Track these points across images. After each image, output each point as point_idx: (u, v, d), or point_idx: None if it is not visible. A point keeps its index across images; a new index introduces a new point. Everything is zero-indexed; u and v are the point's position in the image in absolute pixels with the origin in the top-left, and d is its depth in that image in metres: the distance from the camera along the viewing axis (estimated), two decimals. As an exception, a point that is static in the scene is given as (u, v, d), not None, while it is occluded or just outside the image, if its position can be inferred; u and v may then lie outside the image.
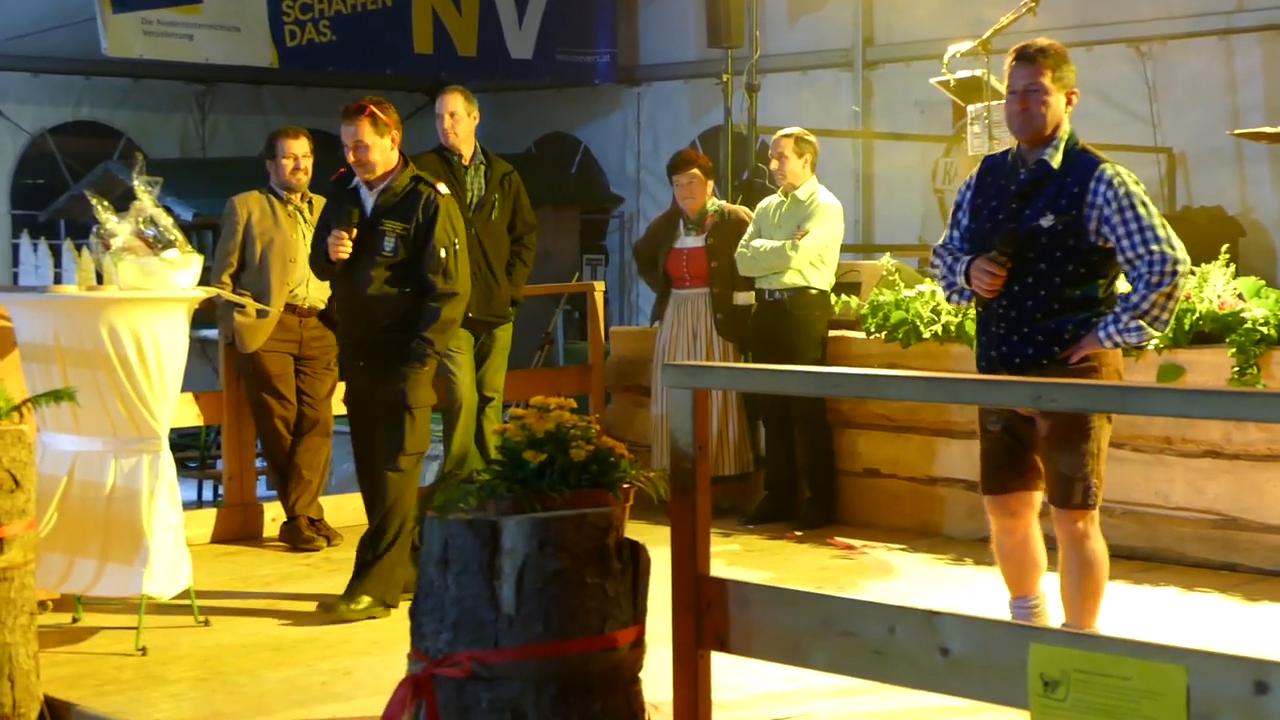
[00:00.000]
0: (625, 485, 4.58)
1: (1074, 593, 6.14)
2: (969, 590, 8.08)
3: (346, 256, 7.80)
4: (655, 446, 10.28)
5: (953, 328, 9.24)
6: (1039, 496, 6.25)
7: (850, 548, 9.13)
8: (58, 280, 7.58)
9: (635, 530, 4.54)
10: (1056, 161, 6.10)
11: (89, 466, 7.32)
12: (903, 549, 9.11)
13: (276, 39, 15.90)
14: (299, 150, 9.49)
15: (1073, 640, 3.91)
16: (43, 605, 7.37)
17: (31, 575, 6.39)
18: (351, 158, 7.85)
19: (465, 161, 9.37)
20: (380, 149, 7.82)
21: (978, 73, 10.44)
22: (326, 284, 9.38)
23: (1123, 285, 6.15)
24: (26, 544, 6.32)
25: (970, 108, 10.44)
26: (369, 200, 7.90)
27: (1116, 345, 6.01)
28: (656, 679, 4.77)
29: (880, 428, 9.85)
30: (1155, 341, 8.44)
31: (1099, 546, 6.14)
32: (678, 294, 10.34)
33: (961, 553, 8.96)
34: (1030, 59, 6.21)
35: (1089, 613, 6.16)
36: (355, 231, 7.83)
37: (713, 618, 4.67)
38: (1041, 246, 6.02)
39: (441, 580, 4.27)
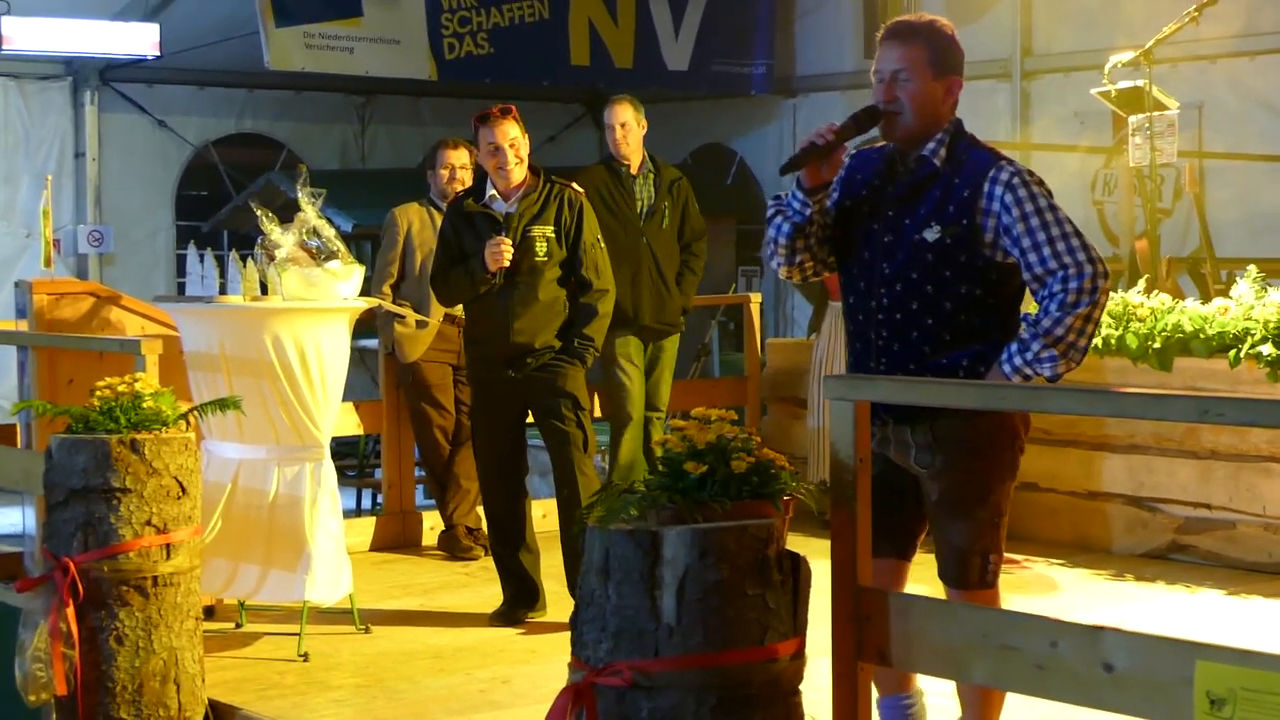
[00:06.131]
0: (786, 497, 4.56)
1: (971, 688, 5.15)
2: (1131, 606, 8.00)
3: (509, 263, 7.69)
4: (811, 458, 10.25)
5: (1113, 340, 9.14)
6: (908, 568, 5.30)
7: (1014, 562, 9.06)
8: (223, 290, 7.66)
9: (794, 542, 4.54)
10: (941, 158, 5.12)
11: (253, 474, 7.42)
12: (1062, 564, 9.02)
13: (435, 51, 16.04)
14: (457, 161, 9.54)
15: (1241, 658, 3.86)
16: (208, 610, 7.49)
17: (197, 581, 6.50)
18: (496, 162, 7.70)
19: (634, 171, 9.46)
20: (526, 149, 7.80)
21: (1139, 83, 10.33)
22: None
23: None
24: (192, 550, 6.43)
25: (1131, 118, 10.35)
26: (507, 209, 7.79)
27: (1026, 379, 5.00)
28: (817, 691, 4.77)
29: (1039, 441, 9.72)
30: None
31: None
32: (835, 306, 10.28)
33: (1122, 568, 8.87)
34: (901, 38, 5.14)
35: (991, 709, 5.21)
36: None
37: (872, 630, 4.64)
38: (927, 264, 5.04)
39: (603, 590, 4.28)
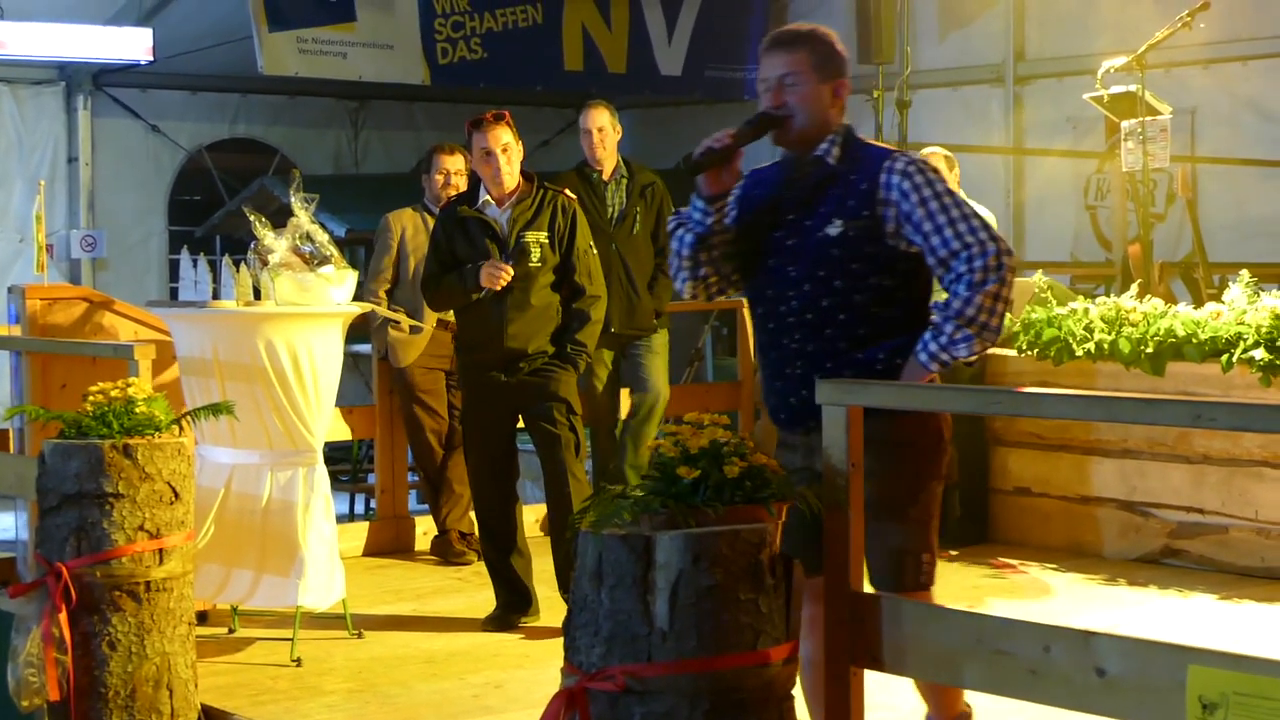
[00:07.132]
0: (778, 502, 4.56)
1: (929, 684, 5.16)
2: (1123, 610, 8.00)
3: (502, 287, 7.69)
4: (804, 463, 10.24)
5: (1106, 345, 9.14)
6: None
7: (1010, 567, 9.06)
8: (216, 295, 7.66)
9: (787, 547, 4.54)
10: (835, 157, 5.11)
11: (246, 479, 7.42)
12: (1054, 568, 9.03)
13: (429, 56, 16.02)
14: (451, 166, 9.55)
15: (1234, 663, 3.86)
16: (201, 616, 7.48)
17: (190, 586, 6.49)
18: (489, 168, 7.73)
19: (605, 176, 9.46)
20: (520, 155, 7.81)
21: (1132, 88, 10.35)
22: None
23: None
24: (185, 555, 6.42)
25: (1124, 123, 10.37)
26: (501, 216, 7.82)
27: (945, 365, 4.98)
28: (809, 696, 4.77)
29: (1031, 446, 9.76)
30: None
31: None
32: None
33: (1114, 573, 8.87)
34: (785, 44, 5.23)
35: (954, 698, 5.28)
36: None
37: (866, 635, 4.65)
38: (834, 260, 5.02)
39: (595, 594, 4.28)
